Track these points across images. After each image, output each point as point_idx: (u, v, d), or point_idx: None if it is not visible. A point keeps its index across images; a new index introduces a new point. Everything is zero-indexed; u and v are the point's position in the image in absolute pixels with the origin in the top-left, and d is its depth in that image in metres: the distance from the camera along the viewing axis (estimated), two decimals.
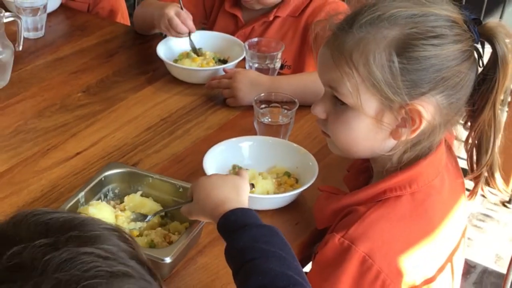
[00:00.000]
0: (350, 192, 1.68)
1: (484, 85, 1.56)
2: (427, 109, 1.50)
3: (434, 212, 1.59)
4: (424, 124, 1.51)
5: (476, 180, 1.66)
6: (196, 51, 2.44)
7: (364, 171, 1.74)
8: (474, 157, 1.65)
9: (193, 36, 2.42)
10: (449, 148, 1.70)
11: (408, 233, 1.55)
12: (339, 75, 1.51)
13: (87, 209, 1.67)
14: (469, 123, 1.63)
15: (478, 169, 1.64)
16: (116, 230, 1.00)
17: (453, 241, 1.67)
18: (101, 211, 1.68)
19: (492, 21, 1.57)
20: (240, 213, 1.49)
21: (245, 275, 1.37)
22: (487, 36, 1.55)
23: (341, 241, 1.52)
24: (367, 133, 1.55)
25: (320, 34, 1.66)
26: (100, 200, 1.76)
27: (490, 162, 1.62)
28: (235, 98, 2.21)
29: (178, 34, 2.37)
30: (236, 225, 1.46)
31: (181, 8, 2.39)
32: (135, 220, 1.71)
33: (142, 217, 1.72)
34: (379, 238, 1.52)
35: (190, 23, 2.36)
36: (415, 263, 1.54)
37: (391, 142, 1.56)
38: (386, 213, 1.55)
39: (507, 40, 1.52)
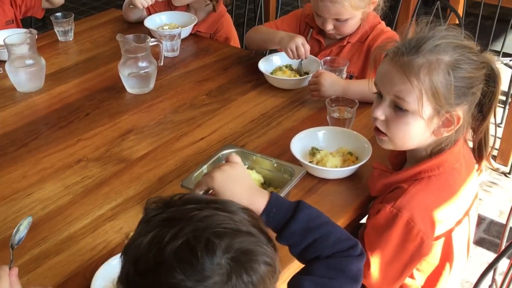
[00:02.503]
0: (395, 172, 1.72)
1: (487, 95, 1.60)
2: (462, 113, 1.56)
3: (456, 186, 1.64)
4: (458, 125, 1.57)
5: (480, 164, 1.74)
6: (299, 70, 2.46)
7: (402, 153, 1.79)
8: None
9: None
10: (464, 140, 1.72)
11: (437, 202, 1.61)
12: (408, 87, 1.53)
13: None
14: (473, 127, 1.68)
15: (482, 159, 1.73)
16: (245, 208, 1.04)
17: (468, 202, 1.72)
18: None
19: (487, 53, 1.63)
20: (275, 202, 1.40)
21: (317, 247, 1.33)
22: (487, 62, 1.58)
23: (391, 210, 1.60)
24: (419, 131, 1.59)
25: (378, 56, 1.69)
26: None
27: (490, 153, 1.72)
28: (318, 92, 2.23)
29: (297, 57, 2.39)
30: (284, 215, 1.37)
31: (307, 41, 2.42)
32: None
33: None
34: (417, 207, 1.59)
35: (308, 53, 2.39)
36: (442, 221, 1.61)
37: (431, 138, 1.62)
38: (421, 188, 1.61)
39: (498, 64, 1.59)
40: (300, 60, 2.44)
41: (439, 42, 1.54)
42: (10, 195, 1.88)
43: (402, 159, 1.80)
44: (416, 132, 1.60)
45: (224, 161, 1.51)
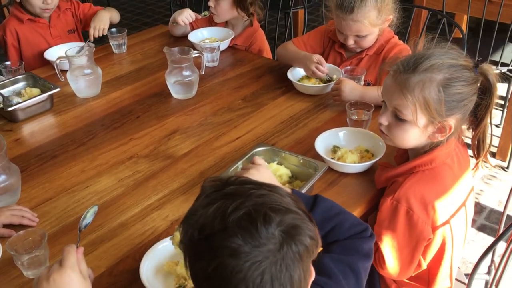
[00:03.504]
0: (394, 167, 1.74)
1: (483, 104, 1.59)
2: (453, 122, 1.57)
3: (447, 179, 1.65)
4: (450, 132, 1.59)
5: (478, 160, 1.72)
6: (323, 78, 2.44)
7: (405, 153, 1.79)
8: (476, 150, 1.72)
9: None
10: (461, 141, 1.73)
11: (431, 193, 1.62)
12: (404, 102, 1.57)
13: None
14: (471, 129, 1.68)
15: (479, 157, 1.71)
16: (289, 194, 1.06)
17: (464, 194, 1.72)
18: None
19: (484, 64, 1.60)
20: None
21: (335, 233, 1.37)
22: (484, 73, 1.58)
23: (391, 202, 1.63)
24: (415, 136, 1.63)
25: (386, 68, 1.69)
26: None
27: (486, 152, 1.69)
28: (339, 97, 2.23)
29: (320, 75, 2.38)
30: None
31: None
32: None
33: None
34: (414, 197, 1.61)
35: (325, 66, 2.37)
36: (437, 209, 1.61)
37: (427, 141, 1.64)
38: (416, 181, 1.63)
39: (494, 75, 1.58)
40: (326, 75, 2.43)
41: (434, 62, 1.55)
42: (70, 187, 1.89)
43: (406, 157, 1.80)
44: (412, 137, 1.65)
45: (250, 163, 1.55)
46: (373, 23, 2.29)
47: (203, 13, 2.97)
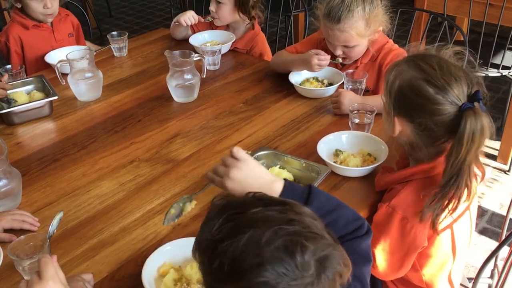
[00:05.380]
0: (393, 172, 1.72)
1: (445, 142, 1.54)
2: (399, 124, 1.58)
3: None
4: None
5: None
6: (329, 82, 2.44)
7: (407, 158, 1.75)
8: None
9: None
10: None
11: (425, 201, 1.55)
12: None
13: None
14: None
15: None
16: (314, 216, 1.03)
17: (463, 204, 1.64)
18: None
19: (477, 109, 1.46)
20: (290, 189, 1.37)
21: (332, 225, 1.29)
22: (466, 117, 1.44)
23: (387, 208, 1.61)
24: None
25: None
26: None
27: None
28: (339, 109, 2.22)
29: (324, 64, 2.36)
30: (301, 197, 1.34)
31: None
32: None
33: None
34: (409, 205, 1.58)
35: (326, 57, 2.34)
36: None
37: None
38: (412, 189, 1.61)
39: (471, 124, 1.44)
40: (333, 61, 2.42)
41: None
42: (71, 191, 1.87)
43: (407, 163, 1.77)
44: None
45: (230, 158, 1.45)
46: (360, 34, 2.28)
47: (207, 18, 2.95)
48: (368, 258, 1.33)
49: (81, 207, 1.79)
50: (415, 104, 1.53)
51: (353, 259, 1.25)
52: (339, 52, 2.37)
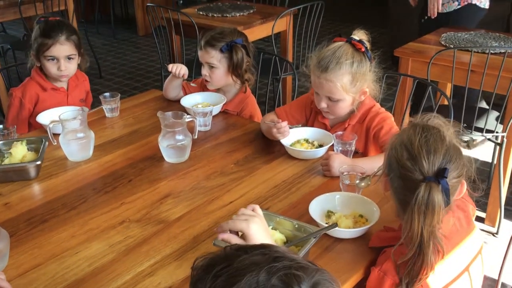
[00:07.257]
0: (388, 232, 1.71)
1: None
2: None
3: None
4: None
5: None
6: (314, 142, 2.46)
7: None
8: None
9: (305, 131, 2.48)
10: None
11: None
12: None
13: None
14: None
15: None
16: (291, 251, 1.06)
17: (468, 257, 1.64)
18: None
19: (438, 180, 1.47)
20: None
21: None
22: (429, 189, 1.45)
23: (379, 273, 1.58)
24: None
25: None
26: None
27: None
28: (329, 171, 2.21)
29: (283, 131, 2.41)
30: None
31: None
32: None
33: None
34: (401, 269, 1.53)
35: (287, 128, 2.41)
36: (429, 279, 1.53)
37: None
38: (401, 253, 1.54)
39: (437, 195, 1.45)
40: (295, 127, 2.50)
41: None
42: (60, 253, 1.81)
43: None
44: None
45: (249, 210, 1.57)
46: (345, 87, 2.30)
47: (191, 83, 2.98)
48: None
49: (69, 269, 1.72)
50: (393, 161, 1.56)
51: None
52: (323, 104, 2.39)
